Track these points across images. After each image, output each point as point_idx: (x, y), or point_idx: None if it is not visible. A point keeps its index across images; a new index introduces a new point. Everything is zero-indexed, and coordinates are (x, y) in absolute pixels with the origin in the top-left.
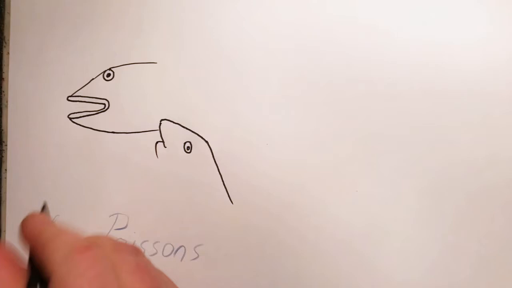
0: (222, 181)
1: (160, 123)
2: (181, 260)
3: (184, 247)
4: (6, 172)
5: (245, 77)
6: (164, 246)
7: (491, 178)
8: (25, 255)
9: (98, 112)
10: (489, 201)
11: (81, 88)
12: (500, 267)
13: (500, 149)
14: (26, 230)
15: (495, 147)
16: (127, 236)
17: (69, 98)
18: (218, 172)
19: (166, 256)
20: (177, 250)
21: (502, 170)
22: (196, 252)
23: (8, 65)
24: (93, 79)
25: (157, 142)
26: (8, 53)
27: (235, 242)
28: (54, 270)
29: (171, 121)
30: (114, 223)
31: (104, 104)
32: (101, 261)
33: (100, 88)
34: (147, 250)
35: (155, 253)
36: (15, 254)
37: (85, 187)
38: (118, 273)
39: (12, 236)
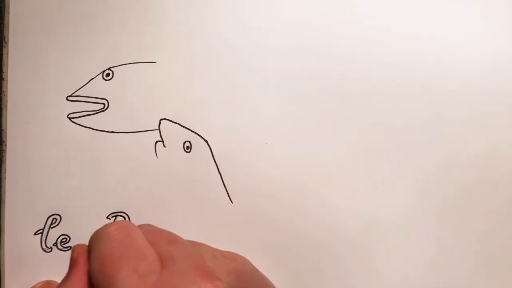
0: (222, 180)
1: (160, 123)
2: None
3: None
4: (6, 172)
5: (245, 76)
6: None
7: (491, 175)
8: None
9: (98, 112)
10: (489, 199)
11: (80, 88)
12: (500, 265)
13: (500, 146)
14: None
15: (495, 145)
16: None
17: (69, 98)
18: (217, 172)
19: None
20: None
21: (502, 168)
22: None
23: (7, 65)
24: (92, 78)
25: (156, 142)
26: (8, 53)
27: (235, 242)
28: (91, 245)
29: (170, 120)
30: None
31: (104, 104)
32: (128, 227)
33: (99, 88)
34: None
35: None
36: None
37: (85, 186)
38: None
39: (12, 236)
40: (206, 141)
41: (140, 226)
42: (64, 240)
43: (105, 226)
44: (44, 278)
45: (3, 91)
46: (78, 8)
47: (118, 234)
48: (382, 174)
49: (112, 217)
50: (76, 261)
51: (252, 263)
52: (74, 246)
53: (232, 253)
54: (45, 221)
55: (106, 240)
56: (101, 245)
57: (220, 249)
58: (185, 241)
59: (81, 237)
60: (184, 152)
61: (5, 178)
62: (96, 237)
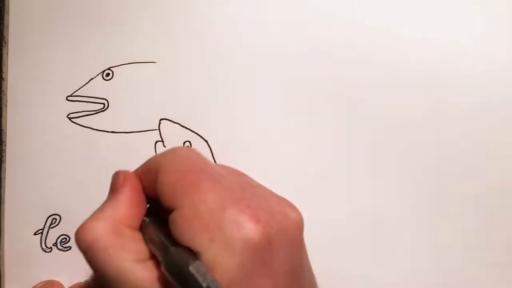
0: None
1: (160, 123)
2: None
3: None
4: (6, 172)
5: (245, 76)
6: None
7: (491, 175)
8: None
9: (98, 111)
10: (489, 199)
11: (80, 88)
12: (500, 267)
13: (500, 146)
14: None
15: (495, 145)
16: None
17: (69, 98)
18: None
19: None
20: None
21: (502, 168)
22: None
23: (7, 65)
24: (92, 78)
25: (156, 142)
26: (8, 53)
27: None
28: (160, 163)
29: (170, 120)
30: None
31: (104, 104)
32: (196, 150)
33: (99, 88)
34: None
35: None
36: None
37: (85, 186)
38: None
39: (12, 236)
40: (206, 141)
41: None
42: (64, 240)
43: (173, 148)
44: (44, 278)
45: (3, 91)
46: (78, 9)
47: (190, 152)
48: (382, 174)
49: None
50: (125, 178)
51: None
52: (115, 172)
53: None
54: (45, 221)
55: (179, 156)
56: (176, 160)
57: None
58: None
59: None
60: None
61: (5, 178)
62: (165, 156)
